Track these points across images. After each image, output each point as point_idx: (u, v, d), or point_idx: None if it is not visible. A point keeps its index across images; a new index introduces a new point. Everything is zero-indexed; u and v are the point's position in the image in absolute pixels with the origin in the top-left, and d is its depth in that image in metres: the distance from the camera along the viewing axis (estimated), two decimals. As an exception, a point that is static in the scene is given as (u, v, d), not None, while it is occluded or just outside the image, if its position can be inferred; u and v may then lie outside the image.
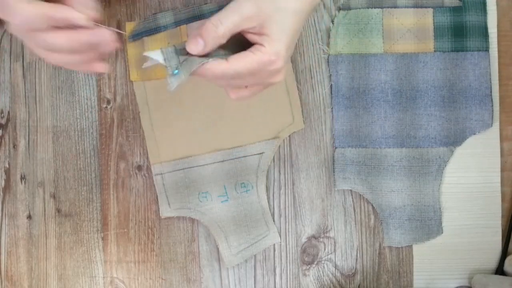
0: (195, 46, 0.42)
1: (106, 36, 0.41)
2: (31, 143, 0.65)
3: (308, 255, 0.62)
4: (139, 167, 0.64)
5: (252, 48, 0.43)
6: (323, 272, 0.62)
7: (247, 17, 0.42)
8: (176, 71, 0.41)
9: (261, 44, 0.43)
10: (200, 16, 0.63)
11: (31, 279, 0.64)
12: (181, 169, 0.62)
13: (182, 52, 0.42)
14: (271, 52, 0.43)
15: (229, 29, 0.42)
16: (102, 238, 0.64)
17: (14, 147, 0.65)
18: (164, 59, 0.42)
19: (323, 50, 0.63)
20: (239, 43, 0.44)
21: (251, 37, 0.44)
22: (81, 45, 0.41)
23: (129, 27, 0.63)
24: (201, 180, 0.62)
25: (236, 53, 0.43)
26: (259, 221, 0.62)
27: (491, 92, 0.61)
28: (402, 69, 0.62)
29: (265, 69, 0.44)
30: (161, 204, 0.63)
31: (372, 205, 0.62)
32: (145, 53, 0.42)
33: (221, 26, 0.42)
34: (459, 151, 0.62)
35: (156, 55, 0.42)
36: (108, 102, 0.64)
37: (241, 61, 0.42)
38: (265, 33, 0.43)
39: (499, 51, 0.62)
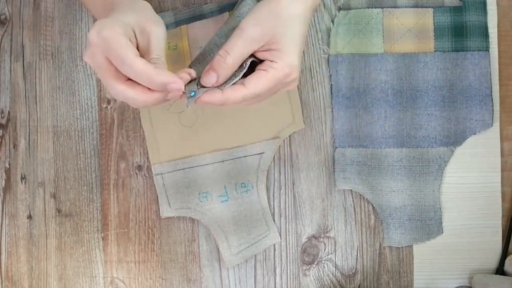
0: (209, 80, 0.44)
1: (179, 93, 0.43)
2: (31, 143, 0.65)
3: (308, 255, 0.63)
4: (139, 167, 0.64)
5: (264, 66, 0.44)
6: (323, 272, 0.62)
7: (252, 40, 0.44)
8: (193, 93, 0.44)
9: (272, 61, 0.44)
10: (200, 16, 0.63)
11: (31, 279, 0.64)
12: (181, 169, 0.62)
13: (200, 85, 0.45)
14: (284, 66, 0.44)
15: (237, 57, 0.44)
16: (103, 238, 0.64)
17: (14, 147, 0.65)
18: (185, 87, 0.44)
19: (323, 50, 0.63)
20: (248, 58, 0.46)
21: (261, 55, 0.45)
22: (156, 101, 0.43)
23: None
24: (201, 180, 0.62)
25: (249, 74, 0.44)
26: (259, 221, 0.62)
27: (491, 92, 0.61)
28: (402, 69, 0.62)
29: (281, 82, 0.45)
30: (161, 204, 0.63)
31: (372, 205, 0.62)
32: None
33: (228, 56, 0.43)
34: (459, 151, 0.62)
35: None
36: (109, 102, 0.65)
37: (258, 83, 0.44)
38: (274, 48, 0.44)
39: (499, 51, 0.62)
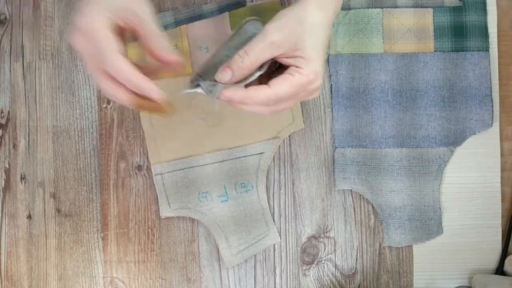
0: (224, 76, 0.44)
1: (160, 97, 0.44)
2: (31, 143, 0.65)
3: (308, 255, 0.62)
4: (139, 167, 0.64)
5: (290, 70, 0.44)
6: (323, 272, 0.62)
7: (273, 46, 0.44)
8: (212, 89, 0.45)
9: (298, 67, 0.44)
10: (200, 16, 0.63)
11: (31, 279, 0.64)
12: (181, 169, 0.62)
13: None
14: (310, 72, 0.44)
15: (255, 59, 0.44)
16: (102, 238, 0.64)
17: (14, 147, 0.65)
18: (202, 88, 0.46)
19: (323, 50, 0.63)
20: (273, 65, 0.46)
21: (285, 61, 0.45)
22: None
23: (129, 27, 0.63)
24: (201, 180, 0.62)
25: (274, 77, 0.45)
26: (259, 221, 0.62)
27: (491, 92, 0.61)
28: (402, 69, 0.62)
29: (306, 89, 0.45)
30: (161, 204, 0.63)
31: (372, 205, 0.62)
32: (186, 91, 0.46)
33: (246, 57, 0.44)
34: (459, 151, 0.62)
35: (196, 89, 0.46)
36: (108, 102, 0.64)
37: (283, 85, 0.44)
38: (298, 55, 0.44)
39: (499, 51, 0.62)
